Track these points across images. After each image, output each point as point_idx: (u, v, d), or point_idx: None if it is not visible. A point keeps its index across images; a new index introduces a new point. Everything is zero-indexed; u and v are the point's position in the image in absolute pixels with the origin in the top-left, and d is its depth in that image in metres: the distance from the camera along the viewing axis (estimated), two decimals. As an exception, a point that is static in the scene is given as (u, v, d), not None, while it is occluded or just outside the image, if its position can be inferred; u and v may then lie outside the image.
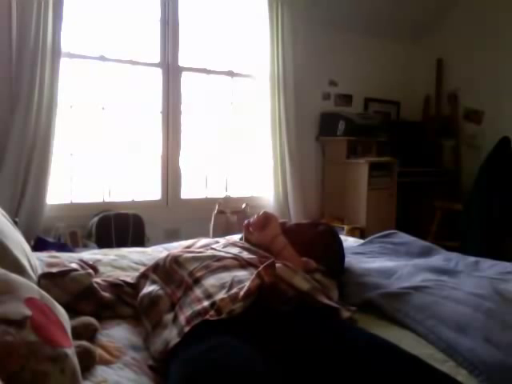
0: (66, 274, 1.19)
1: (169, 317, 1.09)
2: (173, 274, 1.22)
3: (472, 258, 1.91)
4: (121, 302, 1.25)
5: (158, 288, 1.20)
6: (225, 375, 0.82)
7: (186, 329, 0.98)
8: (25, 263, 1.15)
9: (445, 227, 3.94)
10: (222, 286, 1.08)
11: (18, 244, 1.21)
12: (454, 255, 1.97)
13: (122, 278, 1.35)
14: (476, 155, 4.07)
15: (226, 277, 1.12)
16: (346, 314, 1.14)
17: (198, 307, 1.03)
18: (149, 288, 1.22)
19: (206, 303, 1.03)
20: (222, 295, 1.04)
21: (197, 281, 1.14)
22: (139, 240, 2.96)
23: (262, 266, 1.09)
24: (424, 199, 4.23)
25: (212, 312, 1.00)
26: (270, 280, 1.05)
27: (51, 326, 0.77)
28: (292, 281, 1.13)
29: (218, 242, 1.48)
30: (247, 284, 1.05)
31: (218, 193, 3.60)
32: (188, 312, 1.03)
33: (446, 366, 1.03)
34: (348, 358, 0.90)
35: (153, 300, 1.17)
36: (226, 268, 1.17)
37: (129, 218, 3.00)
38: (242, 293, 1.02)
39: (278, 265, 1.14)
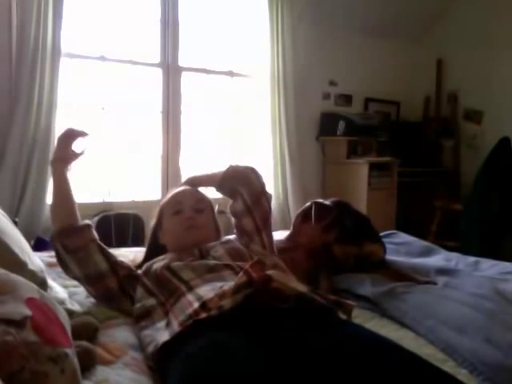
0: None
1: (162, 323, 1.08)
2: (164, 282, 1.20)
3: (472, 258, 1.92)
4: (122, 294, 1.28)
5: (153, 299, 1.20)
6: (224, 373, 0.82)
7: (178, 329, 0.99)
8: (25, 259, 1.15)
9: (445, 227, 3.94)
10: (213, 290, 1.08)
11: (18, 241, 1.21)
12: (454, 255, 1.97)
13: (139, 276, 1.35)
14: (476, 155, 4.07)
15: (219, 284, 1.13)
16: (342, 316, 1.14)
17: (189, 310, 1.03)
18: (142, 300, 1.21)
19: (196, 305, 1.04)
20: (210, 295, 1.05)
21: (191, 288, 1.14)
22: (139, 240, 2.96)
23: (248, 264, 1.09)
24: (424, 199, 4.22)
25: (203, 314, 1.00)
26: (258, 276, 1.05)
27: (51, 326, 0.77)
28: (289, 284, 1.13)
29: None
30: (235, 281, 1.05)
31: (218, 193, 3.59)
32: (181, 317, 1.03)
33: (446, 366, 1.03)
34: (348, 355, 0.90)
35: (147, 310, 1.17)
36: (222, 278, 1.18)
37: (129, 218, 2.99)
38: (229, 289, 1.03)
39: (273, 271, 1.15)
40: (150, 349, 1.02)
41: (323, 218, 1.59)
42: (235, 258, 1.31)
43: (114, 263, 1.32)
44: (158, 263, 1.28)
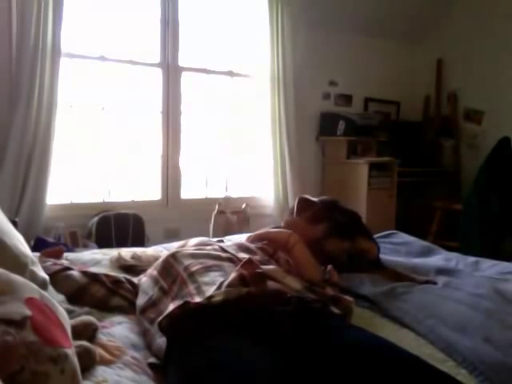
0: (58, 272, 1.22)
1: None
2: (169, 268, 1.23)
3: (472, 258, 1.92)
4: (113, 294, 1.28)
5: (157, 290, 1.20)
6: (225, 375, 0.82)
7: (171, 308, 1.00)
8: (25, 260, 1.15)
9: (445, 227, 3.94)
10: (213, 283, 1.10)
11: (18, 241, 1.21)
12: (454, 255, 1.97)
13: (127, 277, 1.37)
14: (476, 155, 4.07)
15: (218, 275, 1.14)
16: (335, 310, 1.14)
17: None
18: (149, 291, 1.22)
19: (197, 299, 1.05)
20: (211, 290, 1.06)
21: (191, 275, 1.15)
22: (139, 240, 2.96)
23: (240, 263, 1.13)
24: (424, 199, 4.23)
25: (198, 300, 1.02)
26: (249, 273, 1.07)
27: (51, 326, 0.77)
28: (284, 280, 1.14)
29: (211, 241, 1.51)
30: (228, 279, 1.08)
31: (218, 193, 3.60)
32: (179, 303, 1.04)
33: (446, 366, 1.03)
34: (349, 357, 0.90)
35: (153, 302, 1.17)
36: (220, 267, 1.19)
37: (129, 218, 3.00)
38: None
39: (271, 266, 1.17)
40: (160, 341, 1.02)
41: (305, 211, 1.68)
42: (242, 250, 1.33)
43: (95, 275, 1.31)
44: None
